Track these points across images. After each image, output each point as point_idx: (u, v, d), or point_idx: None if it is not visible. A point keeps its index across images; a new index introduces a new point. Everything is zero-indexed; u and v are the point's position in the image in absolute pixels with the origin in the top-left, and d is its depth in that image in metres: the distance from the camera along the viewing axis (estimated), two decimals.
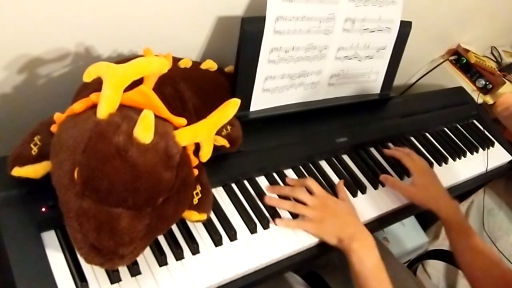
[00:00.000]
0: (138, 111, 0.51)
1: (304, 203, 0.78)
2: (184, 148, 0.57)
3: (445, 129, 1.22)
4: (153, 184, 0.51)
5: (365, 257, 0.71)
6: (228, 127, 0.73)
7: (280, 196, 0.80)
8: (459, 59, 1.46)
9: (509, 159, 1.23)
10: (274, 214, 0.77)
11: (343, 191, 0.84)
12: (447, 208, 0.88)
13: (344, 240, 0.73)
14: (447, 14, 1.32)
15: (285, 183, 0.83)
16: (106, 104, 0.52)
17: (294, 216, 0.78)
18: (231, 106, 0.58)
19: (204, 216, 0.66)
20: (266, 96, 0.87)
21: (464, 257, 0.86)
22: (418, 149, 1.09)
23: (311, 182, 0.81)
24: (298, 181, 0.83)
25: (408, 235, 1.41)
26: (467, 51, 1.46)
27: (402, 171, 0.99)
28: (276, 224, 0.75)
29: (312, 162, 0.91)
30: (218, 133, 0.70)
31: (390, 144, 1.06)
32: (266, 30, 0.78)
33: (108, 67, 0.51)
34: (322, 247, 0.77)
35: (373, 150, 1.02)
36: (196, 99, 0.73)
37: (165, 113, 0.57)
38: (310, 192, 0.80)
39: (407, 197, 0.90)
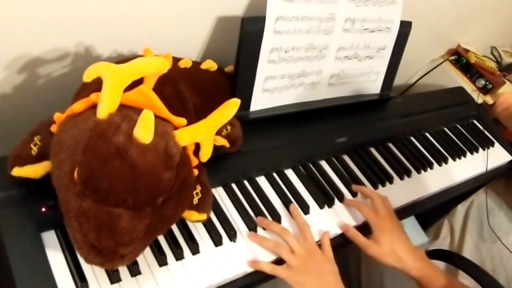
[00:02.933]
0: (138, 111, 0.51)
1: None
2: (184, 148, 0.57)
3: (445, 129, 1.22)
4: (153, 184, 0.51)
5: None
6: (228, 127, 0.73)
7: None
8: (459, 59, 1.46)
9: (509, 159, 1.23)
10: (275, 214, 0.77)
11: (329, 247, 0.76)
12: (414, 264, 0.80)
13: None
14: (447, 14, 1.32)
15: (288, 209, 0.79)
16: (106, 104, 0.52)
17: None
18: (231, 106, 0.58)
19: (204, 216, 0.66)
20: (266, 96, 0.87)
21: None
22: (418, 149, 1.09)
23: (307, 229, 0.76)
24: (298, 217, 0.78)
25: (408, 235, 1.40)
26: (467, 51, 1.46)
27: (402, 171, 0.99)
28: (249, 264, 0.70)
29: (312, 162, 0.91)
30: (218, 133, 0.70)
31: (391, 145, 1.06)
32: (266, 30, 0.78)
33: (108, 67, 0.51)
34: None
35: (373, 150, 1.02)
36: (196, 99, 0.73)
37: (165, 113, 0.57)
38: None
39: (369, 254, 0.81)
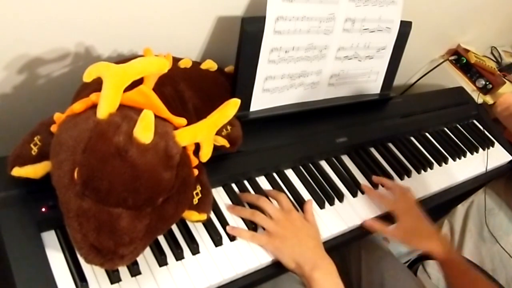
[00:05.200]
0: (138, 111, 0.51)
1: (267, 216, 0.73)
2: (184, 148, 0.57)
3: (445, 129, 1.22)
4: (153, 184, 0.51)
5: (328, 286, 0.68)
6: (228, 127, 0.73)
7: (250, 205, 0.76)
8: (459, 59, 1.46)
9: (509, 159, 1.23)
10: None
11: (311, 212, 0.78)
12: (440, 248, 0.83)
13: (304, 267, 0.68)
14: (447, 14, 1.32)
15: (257, 192, 0.79)
16: (106, 104, 0.52)
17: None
18: (231, 106, 0.58)
19: (204, 216, 0.66)
20: (266, 96, 0.87)
21: None
22: (418, 149, 1.09)
23: (282, 197, 0.77)
24: (270, 192, 0.79)
25: None
26: (467, 51, 1.46)
27: (402, 171, 0.99)
28: (226, 231, 0.71)
29: (312, 162, 0.91)
30: (218, 133, 0.70)
31: (391, 145, 1.06)
32: (266, 30, 0.78)
33: (108, 67, 0.51)
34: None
35: (373, 150, 1.02)
36: (196, 99, 0.73)
37: (165, 113, 0.57)
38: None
39: (397, 241, 0.85)
